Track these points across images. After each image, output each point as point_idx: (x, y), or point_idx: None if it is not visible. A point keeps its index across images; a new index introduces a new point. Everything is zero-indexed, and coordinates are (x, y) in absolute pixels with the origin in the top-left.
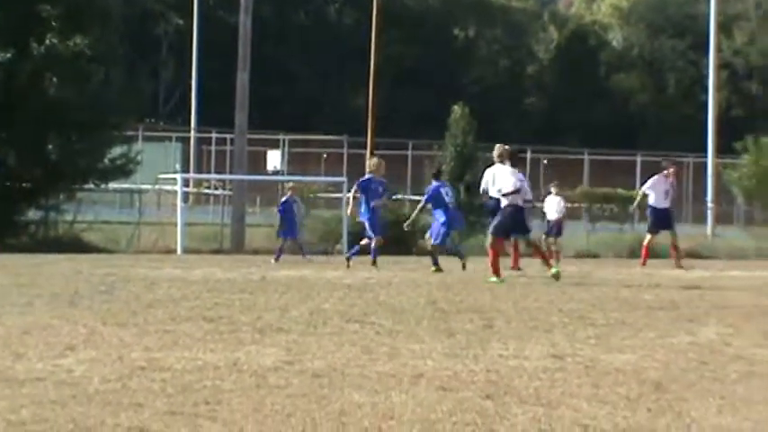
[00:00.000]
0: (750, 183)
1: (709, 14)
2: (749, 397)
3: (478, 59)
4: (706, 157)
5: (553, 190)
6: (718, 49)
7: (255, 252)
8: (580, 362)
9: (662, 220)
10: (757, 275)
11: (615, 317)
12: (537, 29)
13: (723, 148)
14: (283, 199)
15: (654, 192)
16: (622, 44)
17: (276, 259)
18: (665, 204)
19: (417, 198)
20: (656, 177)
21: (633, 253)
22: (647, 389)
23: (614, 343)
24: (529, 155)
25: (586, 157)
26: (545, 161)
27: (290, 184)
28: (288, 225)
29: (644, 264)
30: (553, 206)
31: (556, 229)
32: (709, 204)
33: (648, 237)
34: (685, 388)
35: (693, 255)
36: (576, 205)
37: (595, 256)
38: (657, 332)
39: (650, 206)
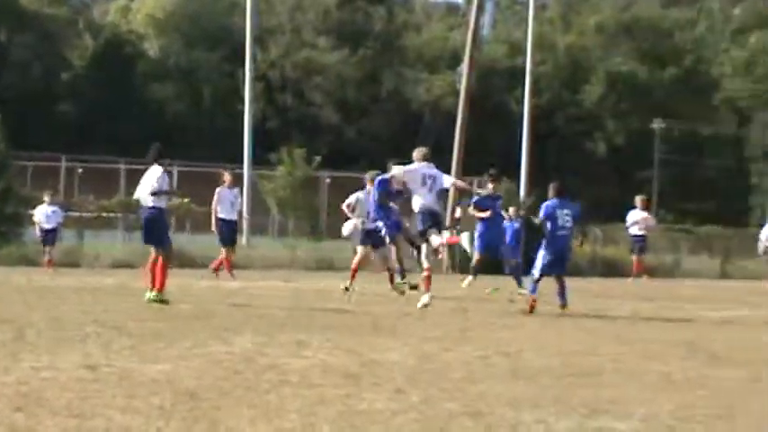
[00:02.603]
0: (285, 193)
1: (245, 27)
2: (281, 406)
3: (11, 65)
4: (242, 167)
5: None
6: (254, 61)
7: None
8: (115, 372)
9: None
10: (291, 285)
11: (151, 327)
12: (71, 36)
13: (259, 159)
14: None
15: (221, 204)
16: (158, 54)
17: None
18: (233, 216)
19: None
20: (219, 190)
21: None
22: (182, 398)
23: (149, 353)
24: (63, 163)
25: (123, 166)
26: (80, 170)
27: None
28: None
29: (221, 273)
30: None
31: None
32: (246, 216)
33: (224, 251)
34: (219, 397)
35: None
36: (114, 215)
37: (131, 266)
38: (193, 342)
39: (220, 219)
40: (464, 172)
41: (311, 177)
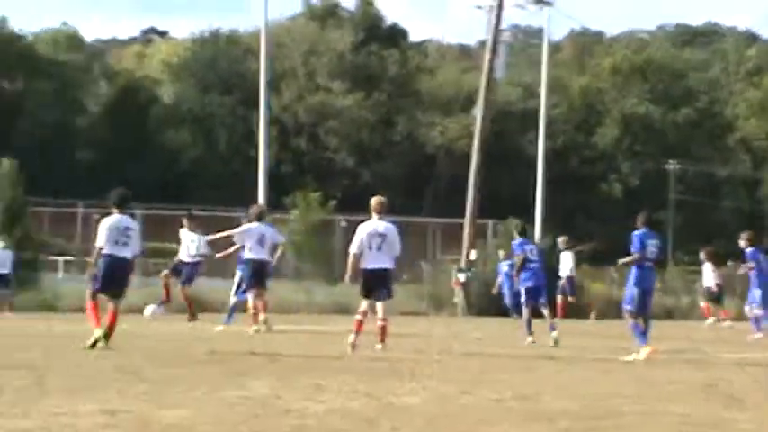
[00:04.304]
0: (300, 237)
1: (258, 71)
2: None
3: (28, 112)
4: None
5: (561, 246)
6: (268, 106)
7: None
8: (132, 418)
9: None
10: (308, 329)
11: (167, 372)
12: (87, 82)
13: (274, 203)
14: None
15: None
16: (173, 99)
17: None
18: (186, 257)
19: None
20: None
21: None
22: None
23: (166, 398)
24: (81, 210)
25: (138, 212)
26: (96, 216)
27: None
28: None
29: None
30: (567, 263)
31: (569, 287)
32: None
33: None
34: None
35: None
36: None
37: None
38: (209, 386)
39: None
40: (480, 215)
41: (326, 221)
